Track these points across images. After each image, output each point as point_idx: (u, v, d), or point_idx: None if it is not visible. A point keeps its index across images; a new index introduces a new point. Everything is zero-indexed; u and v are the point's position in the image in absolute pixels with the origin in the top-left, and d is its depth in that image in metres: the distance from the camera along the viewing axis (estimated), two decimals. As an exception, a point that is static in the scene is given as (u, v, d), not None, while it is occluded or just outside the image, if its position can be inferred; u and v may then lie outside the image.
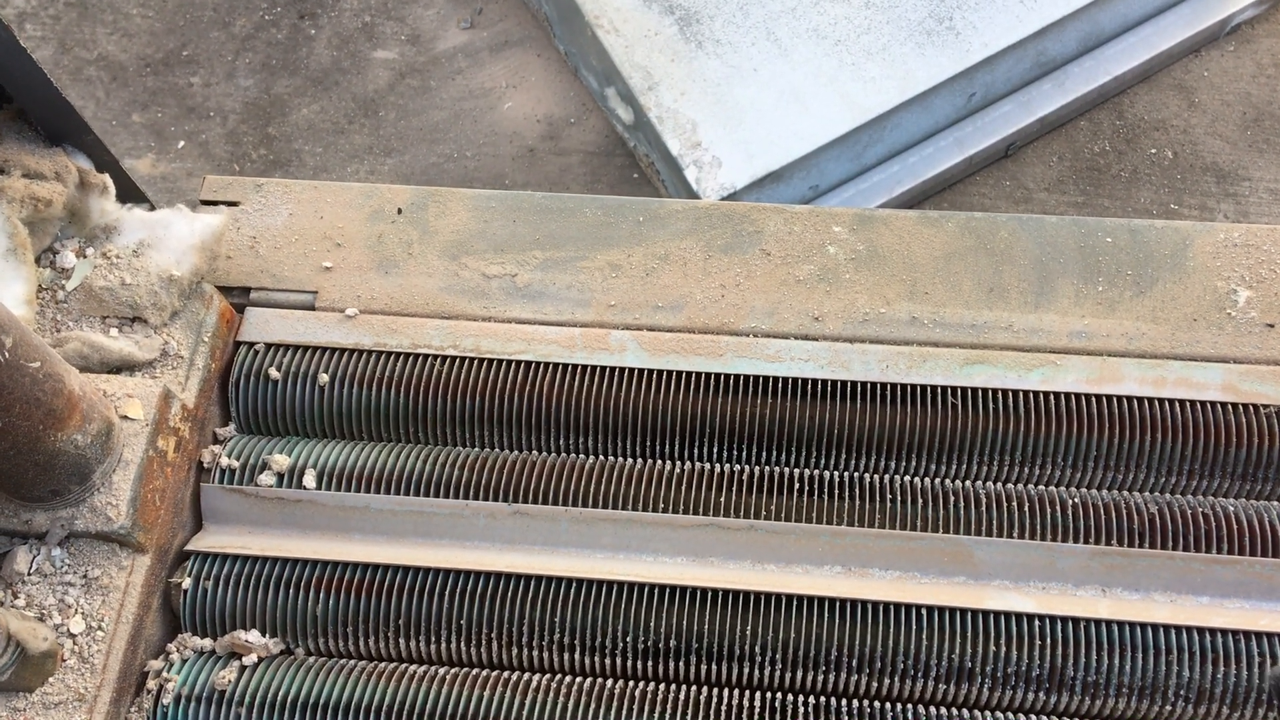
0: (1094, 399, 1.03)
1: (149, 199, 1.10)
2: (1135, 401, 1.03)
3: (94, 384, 0.93)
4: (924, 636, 0.96)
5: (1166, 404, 1.03)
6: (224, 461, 1.03)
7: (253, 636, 0.97)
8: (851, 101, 2.21)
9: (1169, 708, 0.93)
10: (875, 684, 0.96)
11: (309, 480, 1.02)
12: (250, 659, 0.97)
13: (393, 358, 1.07)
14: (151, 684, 0.95)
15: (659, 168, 2.30)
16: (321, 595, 0.98)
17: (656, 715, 0.94)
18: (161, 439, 0.97)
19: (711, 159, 2.15)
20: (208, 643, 0.98)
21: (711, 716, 0.94)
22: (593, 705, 0.94)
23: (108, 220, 1.04)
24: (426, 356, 1.08)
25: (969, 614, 0.96)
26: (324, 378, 1.06)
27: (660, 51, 2.22)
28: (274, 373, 1.06)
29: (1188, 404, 1.03)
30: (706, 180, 2.15)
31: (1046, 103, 2.42)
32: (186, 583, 0.98)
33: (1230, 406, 1.03)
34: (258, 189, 1.17)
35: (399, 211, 1.15)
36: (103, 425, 0.90)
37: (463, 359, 1.07)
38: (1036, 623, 0.96)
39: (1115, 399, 1.03)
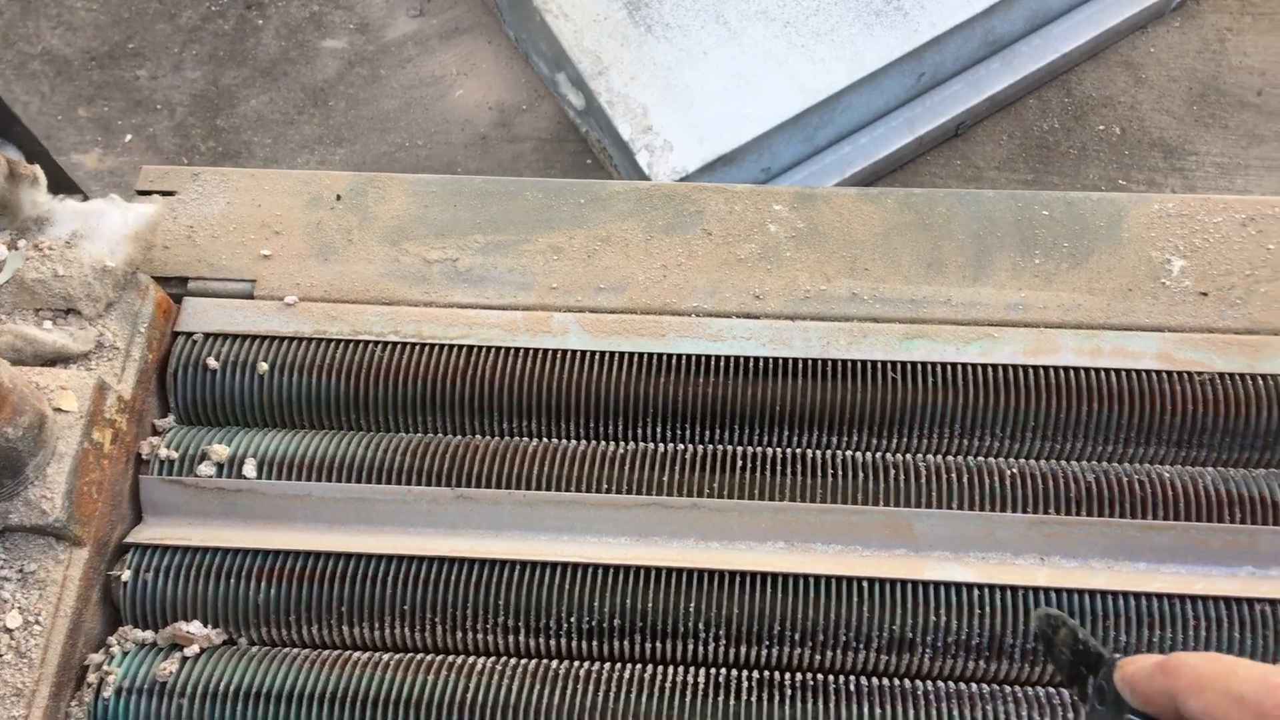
0: (1031, 370, 1.04)
1: (82, 189, 1.09)
2: (1072, 371, 1.04)
3: (26, 376, 0.92)
4: (865, 609, 0.96)
5: (1103, 373, 1.04)
6: (163, 453, 1.02)
7: (194, 627, 0.97)
8: (801, 83, 2.22)
9: (1107, 672, 0.94)
10: (818, 657, 0.97)
11: (249, 469, 1.01)
12: (192, 650, 0.96)
13: (333, 345, 1.07)
14: (92, 677, 0.95)
15: (611, 153, 2.30)
16: (263, 584, 0.98)
17: (601, 694, 0.94)
18: (97, 431, 0.96)
19: (663, 143, 2.15)
20: (149, 635, 0.97)
21: (656, 694, 0.94)
22: (537, 686, 0.95)
23: (39, 212, 1.03)
24: (367, 343, 1.07)
25: (909, 585, 0.97)
26: (263, 366, 1.05)
27: (609, 36, 2.22)
28: (212, 362, 1.05)
29: (1123, 373, 1.04)
30: (659, 164, 2.15)
31: (995, 81, 2.44)
32: (126, 575, 0.98)
33: (1165, 374, 1.04)
34: (194, 178, 1.16)
35: (338, 198, 1.14)
36: (35, 418, 0.89)
37: (404, 344, 1.07)
38: (976, 592, 0.97)
39: (1052, 369, 1.04)
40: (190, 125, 2.53)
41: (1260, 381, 1.03)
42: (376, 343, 1.07)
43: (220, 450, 1.02)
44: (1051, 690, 0.95)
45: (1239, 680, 0.52)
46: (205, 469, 1.01)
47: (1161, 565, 0.98)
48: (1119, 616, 0.95)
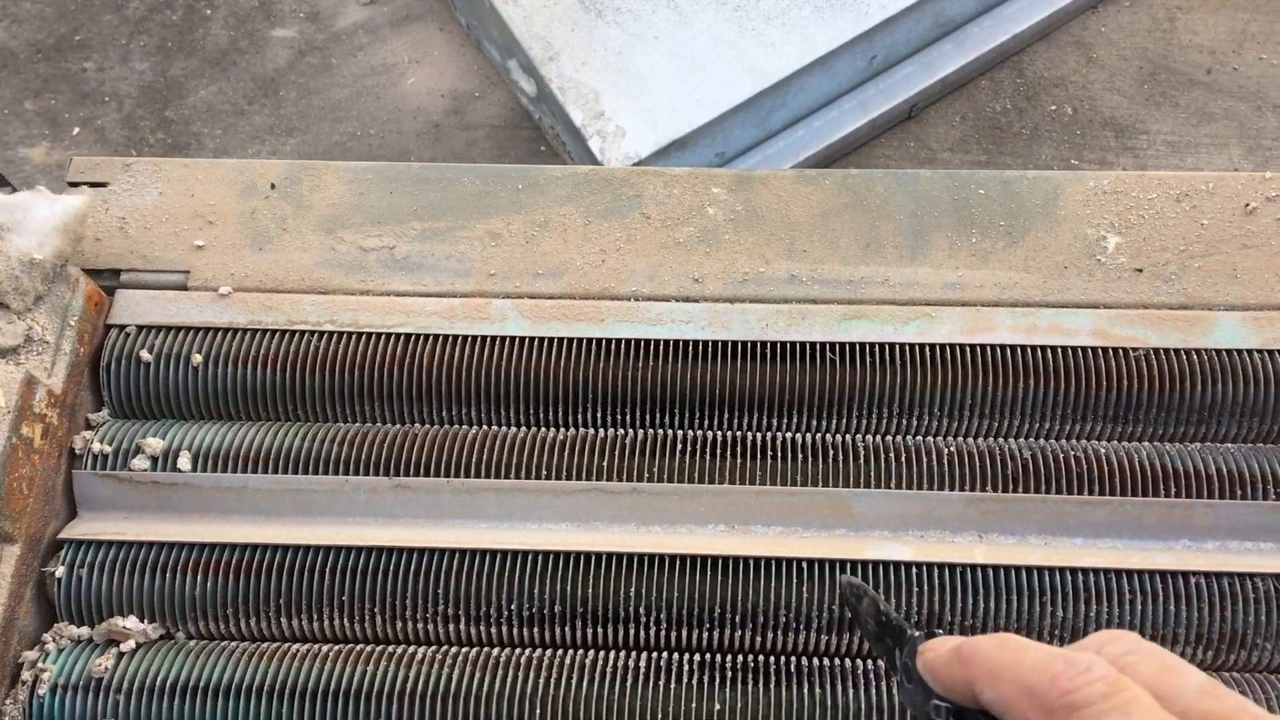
0: (968, 349, 1.05)
1: (11, 183, 1.07)
2: (1009, 350, 1.05)
3: (-50, 373, 0.91)
4: (806, 589, 0.97)
5: (1039, 350, 1.04)
6: (96, 447, 1.01)
7: (130, 622, 0.96)
8: (753, 67, 2.22)
9: (1044, 647, 0.95)
10: (759, 639, 0.97)
11: (184, 463, 1.00)
12: (128, 645, 0.95)
13: (268, 335, 1.06)
14: (26, 675, 0.93)
15: (564, 139, 2.29)
16: (200, 578, 0.97)
17: (542, 680, 0.94)
18: (26, 426, 0.95)
19: (615, 129, 2.14)
20: (85, 631, 0.96)
21: (597, 679, 0.94)
22: (478, 674, 0.94)
23: (-35, 205, 1.01)
24: (303, 333, 1.06)
25: (849, 565, 0.97)
26: (197, 358, 1.04)
27: (560, 21, 2.21)
28: (146, 355, 1.04)
29: (1059, 350, 1.04)
30: (611, 150, 2.15)
31: (947, 63, 2.45)
32: (60, 571, 0.97)
33: (1101, 351, 1.04)
34: (126, 169, 1.14)
35: (272, 187, 1.13)
36: (-41, 414, 0.87)
37: (341, 334, 1.06)
38: (914, 570, 0.97)
39: (989, 348, 1.05)
40: (139, 117, 2.50)
41: (1194, 356, 1.04)
42: (312, 332, 1.06)
43: (154, 444, 1.01)
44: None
45: (1027, 670, 0.52)
46: (139, 463, 1.00)
47: (1098, 540, 0.99)
48: (1055, 592, 0.96)
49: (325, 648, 0.96)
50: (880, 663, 0.96)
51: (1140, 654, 0.53)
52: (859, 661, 0.96)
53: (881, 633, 0.66)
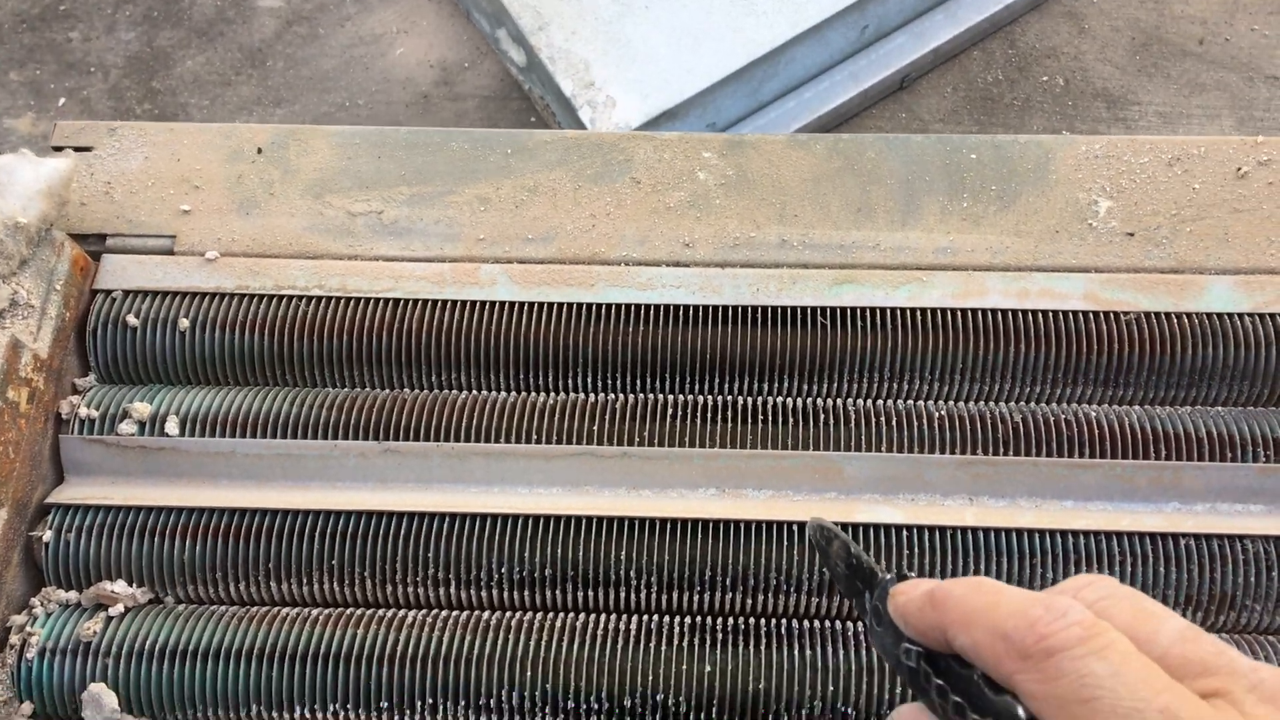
0: (959, 313, 1.04)
1: (-7, 145, 1.06)
2: (999, 314, 1.04)
3: (-66, 336, 0.90)
4: (796, 552, 0.97)
5: (1030, 315, 1.04)
6: (83, 412, 1.00)
7: (119, 587, 0.95)
8: (745, 36, 2.21)
9: (1034, 609, 0.95)
10: (749, 601, 0.97)
11: (171, 427, 0.99)
12: (117, 609, 0.95)
13: (256, 300, 1.05)
14: (14, 639, 0.93)
15: (554, 109, 2.28)
16: (189, 542, 0.97)
17: (533, 643, 0.94)
18: (12, 390, 0.94)
19: (605, 99, 2.13)
20: (73, 595, 0.96)
21: (588, 642, 0.94)
22: (469, 637, 0.94)
23: (-52, 168, 1.00)
24: (291, 297, 1.05)
25: (840, 528, 0.97)
26: (184, 323, 1.03)
27: (549, -10, 2.19)
28: (132, 320, 1.03)
29: (1050, 314, 1.04)
30: (601, 121, 2.13)
31: (939, 33, 2.43)
32: (48, 536, 0.96)
33: (1092, 315, 1.04)
34: (111, 133, 1.13)
35: (259, 151, 1.12)
36: (-56, 377, 0.87)
37: (329, 299, 1.06)
38: (905, 533, 0.97)
39: (980, 312, 1.04)
40: (125, 88, 2.48)
41: (1185, 320, 1.03)
42: (300, 297, 1.05)
43: (142, 408, 1.00)
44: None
45: (1002, 615, 0.51)
46: (127, 427, 0.99)
47: (1088, 503, 0.99)
48: (1045, 554, 0.96)
49: (315, 611, 0.96)
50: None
51: (1117, 598, 0.53)
52: (849, 624, 0.96)
53: (851, 576, 0.66)
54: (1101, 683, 0.47)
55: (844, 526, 0.97)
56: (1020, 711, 0.51)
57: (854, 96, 2.37)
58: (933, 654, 0.57)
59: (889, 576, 0.62)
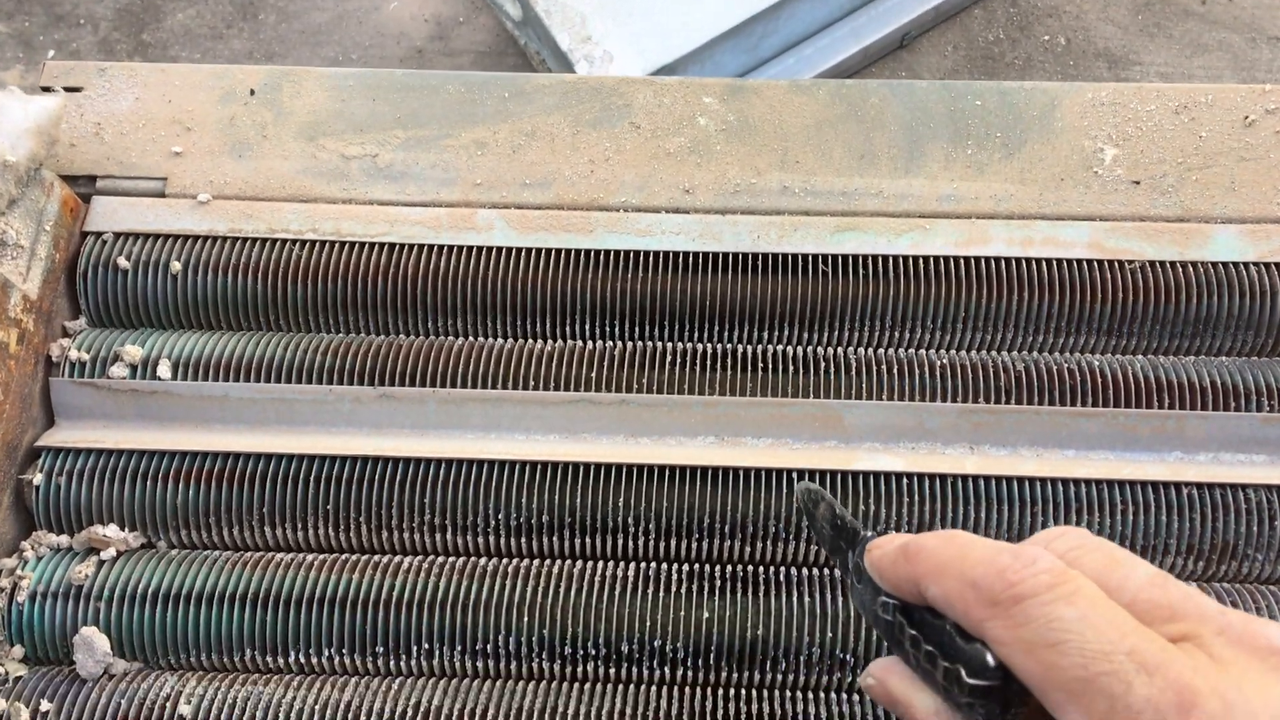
0: (963, 261, 1.03)
1: (-21, 84, 1.04)
2: (1003, 262, 1.03)
3: (-79, 274, 0.88)
4: (794, 501, 0.96)
5: (1034, 263, 1.03)
6: (73, 354, 0.99)
7: (111, 531, 0.94)
8: (744, -9, 2.17)
9: (1034, 558, 0.94)
10: (748, 549, 0.96)
11: (163, 371, 0.98)
12: (109, 553, 0.94)
13: (249, 243, 1.03)
14: (4, 582, 0.92)
15: (550, 65, 2.25)
16: (181, 486, 0.96)
17: (530, 589, 0.93)
18: (2, 330, 0.92)
19: (603, 54, 2.10)
20: (64, 539, 0.95)
21: (586, 588, 0.93)
22: (465, 583, 0.93)
23: (-66, 106, 0.98)
24: (284, 241, 1.04)
25: (840, 475, 0.96)
26: (176, 266, 1.02)
27: (546, -57, 2.16)
28: (123, 262, 1.02)
29: (1055, 262, 1.03)
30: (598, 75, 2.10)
31: (940, -10, 2.40)
32: (38, 479, 0.95)
33: (1096, 263, 1.03)
34: (101, 73, 1.11)
35: (251, 93, 1.10)
36: (-69, 315, 0.85)
37: (323, 243, 1.04)
38: (905, 481, 0.96)
39: (983, 260, 1.03)
40: (115, 40, 2.45)
41: (1191, 269, 1.02)
42: (294, 241, 1.04)
43: (133, 351, 0.99)
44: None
45: (971, 564, 0.52)
46: (118, 370, 0.98)
47: (1091, 452, 0.98)
48: (1047, 502, 0.95)
49: (310, 557, 0.95)
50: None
51: (1087, 548, 0.53)
52: (849, 572, 0.95)
53: (836, 536, 0.66)
54: (1069, 627, 0.47)
55: (845, 477, 0.96)
56: (990, 659, 0.51)
57: (854, 54, 2.35)
58: (908, 606, 0.57)
59: (870, 534, 0.62)
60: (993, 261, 1.03)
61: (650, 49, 2.12)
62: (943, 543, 0.54)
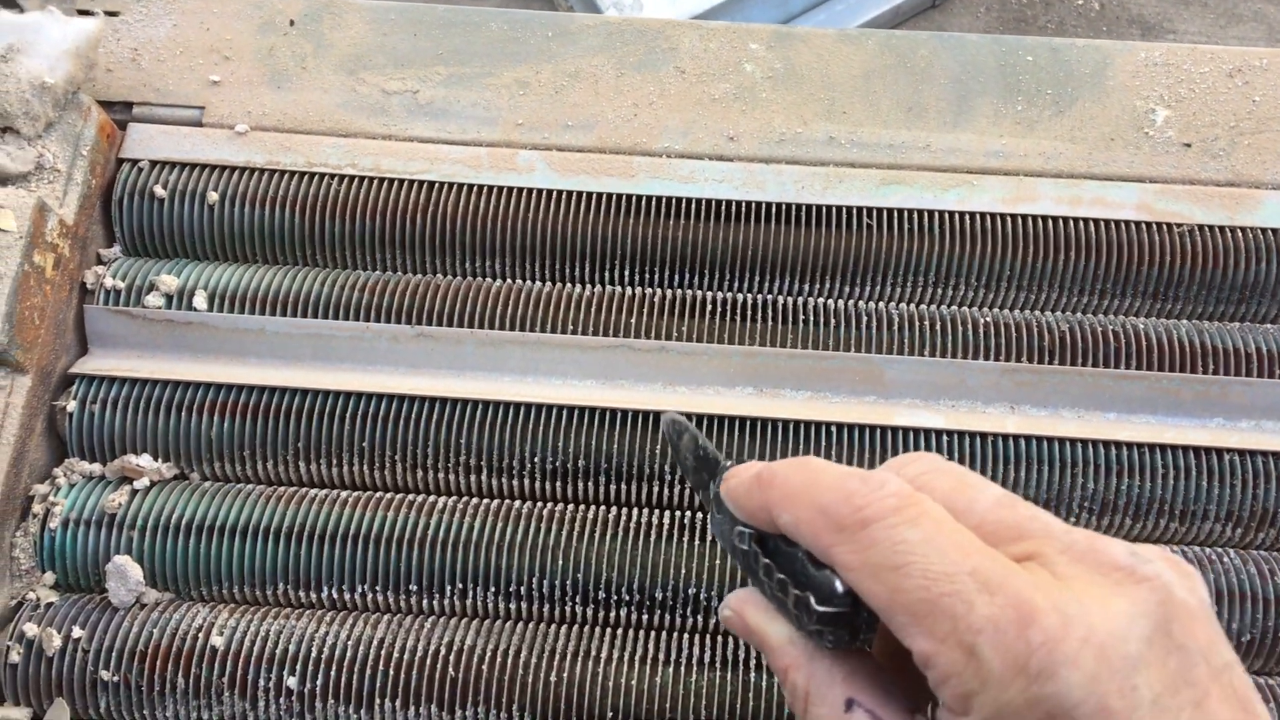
0: (1009, 218, 1.02)
1: (17, 2, 1.02)
2: (1050, 221, 1.02)
3: (-41, 194, 0.87)
4: (833, 454, 0.95)
5: (1081, 223, 1.02)
6: (108, 282, 0.98)
7: (144, 460, 0.93)
8: (777, -57, 2.14)
9: (1072, 519, 0.94)
10: (784, 500, 0.95)
11: (199, 302, 0.97)
12: (142, 483, 0.93)
13: (286, 176, 1.02)
14: (37, 508, 0.92)
15: (576, 8, 2.22)
16: (216, 418, 0.95)
17: (565, 534, 0.92)
18: (38, 254, 0.91)
19: (632, 1, 2.08)
20: (96, 468, 0.94)
21: (620, 534, 0.93)
22: (499, 524, 0.93)
23: (-29, 25, 0.96)
24: (323, 175, 1.02)
25: (878, 430, 0.96)
26: (213, 196, 1.00)
27: (579, -114, 2.12)
28: (160, 190, 1.00)
29: (1102, 223, 1.02)
30: (627, 24, 2.07)
31: (975, -51, 2.36)
32: (71, 405, 0.94)
33: (1144, 225, 1.02)
34: (138, -2, 1.09)
35: (291, 23, 1.08)
36: (-30, 236, 0.84)
37: (361, 178, 1.02)
38: (944, 438, 0.95)
39: (1030, 218, 1.02)
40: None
41: (1239, 234, 1.01)
42: (332, 175, 1.02)
43: (169, 281, 0.97)
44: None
45: (820, 490, 0.51)
46: (153, 300, 0.97)
47: (1132, 415, 0.97)
48: (1087, 464, 0.95)
49: (344, 493, 0.95)
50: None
51: (938, 472, 0.53)
52: (885, 527, 0.95)
53: (699, 467, 0.65)
54: (913, 549, 0.47)
55: (883, 430, 0.96)
56: (838, 585, 0.50)
57: (886, 11, 2.32)
58: (763, 535, 0.56)
59: (729, 464, 0.61)
60: (1039, 220, 1.02)
61: (681, -1, 2.09)
62: (794, 470, 0.54)
